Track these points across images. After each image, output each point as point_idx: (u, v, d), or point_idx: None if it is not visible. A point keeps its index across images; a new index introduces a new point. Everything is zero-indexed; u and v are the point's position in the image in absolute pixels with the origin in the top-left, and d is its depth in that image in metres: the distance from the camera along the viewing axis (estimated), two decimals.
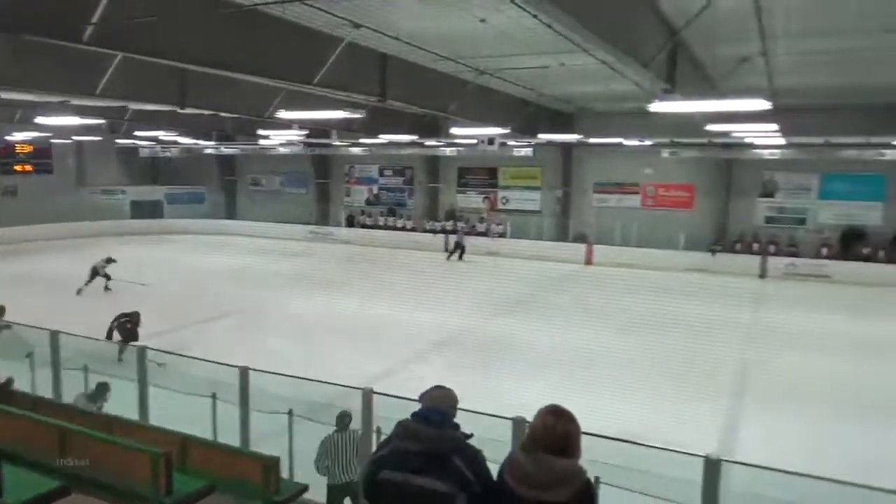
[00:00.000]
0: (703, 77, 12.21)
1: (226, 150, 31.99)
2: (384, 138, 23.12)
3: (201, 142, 30.05)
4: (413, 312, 15.23)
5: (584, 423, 2.64)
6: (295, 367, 6.89)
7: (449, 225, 28.79)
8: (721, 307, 16.46)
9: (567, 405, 2.63)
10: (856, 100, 16.74)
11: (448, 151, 27.21)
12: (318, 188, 33.38)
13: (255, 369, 6.69)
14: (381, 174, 32.15)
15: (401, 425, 3.02)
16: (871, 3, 8.42)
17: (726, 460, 4.63)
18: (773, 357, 12.37)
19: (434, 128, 22.27)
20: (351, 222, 31.66)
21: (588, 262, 25.06)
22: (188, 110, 13.81)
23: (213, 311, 15.42)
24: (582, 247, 25.63)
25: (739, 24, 9.19)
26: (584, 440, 2.61)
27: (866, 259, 22.16)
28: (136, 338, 11.17)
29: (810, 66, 12.34)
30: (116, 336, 11.43)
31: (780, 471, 4.50)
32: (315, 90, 10.71)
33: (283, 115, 14.29)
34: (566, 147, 26.25)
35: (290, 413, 6.64)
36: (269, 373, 6.71)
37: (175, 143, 29.43)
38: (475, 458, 2.83)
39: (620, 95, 15.69)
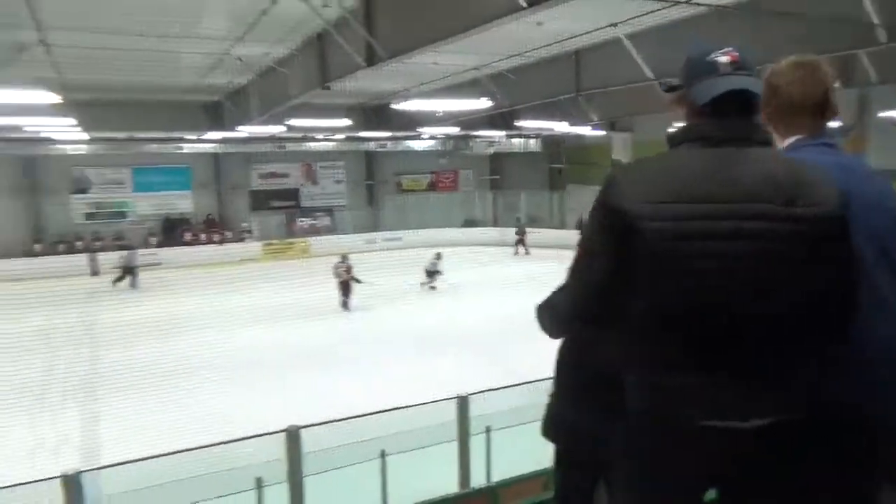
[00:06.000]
0: None
1: None
2: None
3: None
4: None
5: None
6: None
7: None
8: (55, 313, 15.16)
9: None
10: (149, 96, 17.78)
11: None
12: None
13: None
14: None
15: None
16: (138, 9, 8.92)
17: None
18: (118, 350, 12.30)
19: None
20: None
21: None
22: None
23: None
24: None
25: (9, 9, 8.33)
26: None
27: (190, 243, 24.28)
28: None
29: (95, 61, 12.30)
30: None
31: None
32: None
33: None
34: None
35: None
36: None
37: None
38: None
39: None
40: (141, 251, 23.23)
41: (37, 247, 22.47)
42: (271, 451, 5.19)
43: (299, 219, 27.19)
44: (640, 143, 24.41)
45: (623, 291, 1.37)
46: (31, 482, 4.63)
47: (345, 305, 16.19)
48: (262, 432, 5.16)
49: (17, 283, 19.53)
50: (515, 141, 26.96)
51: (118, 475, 5.18)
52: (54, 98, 8.82)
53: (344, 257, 16.78)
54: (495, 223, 28.06)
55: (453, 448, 6.39)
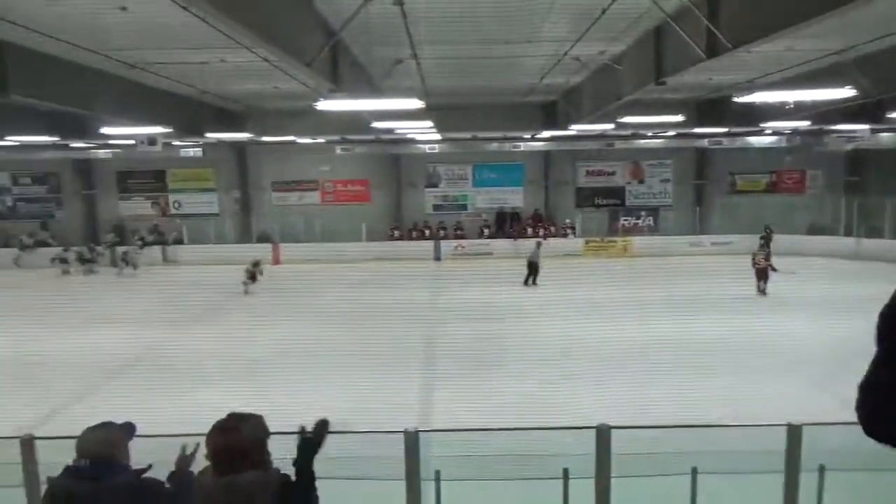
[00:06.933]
0: (365, 77, 12.87)
1: None
2: (13, 140, 19.52)
3: None
4: (84, 337, 13.20)
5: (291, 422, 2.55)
6: None
7: (110, 238, 25.52)
8: (408, 290, 17.76)
9: (280, 407, 2.50)
10: (490, 99, 19.41)
11: (102, 154, 24.19)
12: None
13: None
14: (16, 182, 27.11)
15: (50, 486, 2.59)
16: (490, 19, 9.79)
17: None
18: (457, 328, 13.75)
19: (81, 127, 19.53)
20: None
21: (276, 261, 24.73)
22: None
23: None
24: (268, 246, 25.19)
25: (391, 29, 9.86)
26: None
27: (518, 236, 25.88)
28: None
29: (452, 70, 13.88)
30: None
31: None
32: None
33: None
34: (238, 146, 25.47)
35: None
36: None
37: None
38: (154, 496, 2.57)
39: (289, 94, 15.69)
40: (475, 241, 25.71)
41: (395, 232, 26.39)
42: (584, 444, 5.29)
43: (623, 217, 26.98)
44: None
45: None
46: (377, 432, 5.42)
47: (763, 292, 17.21)
48: (575, 425, 5.29)
49: (381, 262, 23.28)
50: (885, 136, 22.63)
51: (447, 439, 5.82)
52: (419, 104, 10.21)
53: (761, 246, 18.00)
54: (849, 232, 24.05)
55: (769, 480, 5.73)
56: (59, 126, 18.43)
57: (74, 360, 11.84)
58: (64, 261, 22.80)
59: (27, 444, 4.95)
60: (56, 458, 3.26)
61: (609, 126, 17.79)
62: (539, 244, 20.62)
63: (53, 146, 22.56)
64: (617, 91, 13.12)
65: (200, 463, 2.62)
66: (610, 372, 10.51)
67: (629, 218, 27.06)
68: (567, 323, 13.23)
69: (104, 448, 2.61)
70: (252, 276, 18.84)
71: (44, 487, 3.47)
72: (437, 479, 5.17)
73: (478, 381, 10.19)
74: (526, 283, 19.22)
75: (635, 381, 9.79)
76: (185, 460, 2.84)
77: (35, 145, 22.11)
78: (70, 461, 2.66)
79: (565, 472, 5.18)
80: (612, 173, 27.10)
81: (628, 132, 23.08)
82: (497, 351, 11.90)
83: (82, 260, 23.14)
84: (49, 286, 20.62)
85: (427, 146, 25.07)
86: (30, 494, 4.91)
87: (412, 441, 4.88)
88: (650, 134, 24.30)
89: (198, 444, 2.90)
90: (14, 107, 14.29)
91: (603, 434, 4.70)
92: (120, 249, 23.97)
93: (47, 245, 25.20)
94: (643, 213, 27.06)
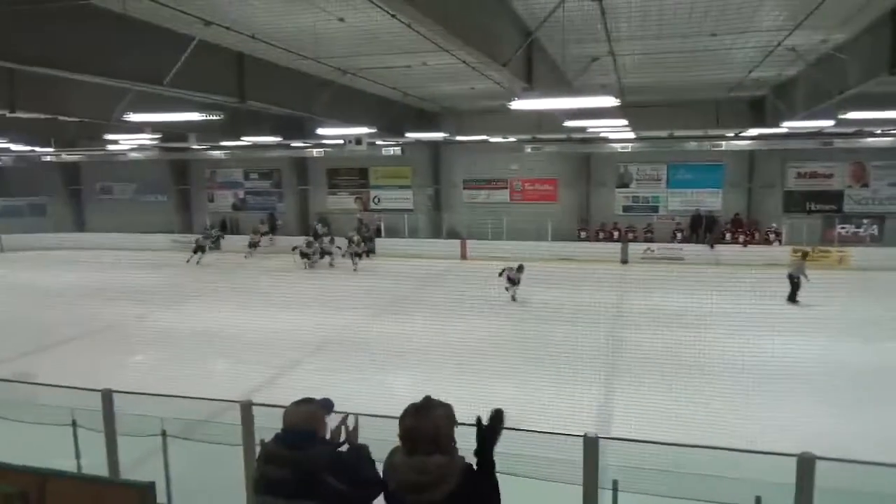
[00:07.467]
0: (559, 76, 12.80)
1: (68, 157, 29.23)
2: (247, 140, 22.24)
3: (38, 148, 27.19)
4: (291, 318, 14.77)
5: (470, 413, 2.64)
6: (166, 385, 6.47)
7: (321, 228, 28.06)
8: (591, 292, 17.38)
9: (456, 396, 2.62)
10: (690, 96, 18.29)
11: (315, 152, 26.69)
12: (178, 195, 31.52)
13: (118, 391, 6.15)
14: (247, 178, 30.95)
15: (263, 449, 2.93)
16: (697, 11, 9.23)
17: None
18: (640, 335, 13.24)
19: (299, 128, 21.73)
20: (224, 227, 30.15)
21: (463, 256, 25.54)
22: (19, 114, 12.55)
23: (65, 332, 14.09)
24: (457, 242, 26.09)
25: (588, 26, 9.72)
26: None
27: (715, 241, 24.19)
28: None
29: (650, 66, 13.31)
30: None
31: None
32: (166, 91, 10.08)
33: (133, 117, 13.29)
34: (434, 145, 26.62)
35: (163, 434, 6.18)
36: (135, 393, 6.19)
37: (6, 150, 26.41)
38: (348, 468, 2.79)
39: (483, 94, 16.12)
40: (666, 245, 24.42)
41: (582, 233, 25.95)
42: (780, 473, 4.84)
43: (840, 225, 24.01)
44: None
45: None
46: (555, 433, 5.36)
47: None
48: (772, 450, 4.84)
49: (566, 262, 23.03)
50: None
51: (623, 448, 5.61)
52: (614, 102, 9.94)
53: None
54: None
55: None
56: (281, 127, 20.68)
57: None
58: (305, 255, 24.38)
59: (246, 408, 5.65)
60: (271, 424, 3.70)
61: (828, 123, 15.89)
62: (805, 254, 18.56)
63: (277, 145, 25.33)
64: (840, 84, 11.71)
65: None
66: (829, 396, 9.49)
67: (847, 226, 23.99)
68: (773, 339, 12.10)
69: (306, 421, 2.90)
70: (513, 281, 17.84)
71: (257, 449, 3.97)
72: (615, 489, 5.03)
73: (663, 391, 9.68)
74: (790, 299, 17.21)
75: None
76: (350, 434, 3.05)
77: (261, 145, 24.96)
78: (279, 429, 3.00)
79: (757, 500, 4.77)
80: (829, 175, 24.20)
81: (851, 130, 20.45)
82: (688, 361, 11.20)
83: (323, 253, 25.02)
84: (281, 273, 23.12)
85: (619, 145, 24.27)
86: (247, 454, 5.62)
87: (592, 446, 4.80)
88: (879, 131, 21.30)
89: (356, 418, 3.13)
90: (247, 111, 16.28)
91: (805, 464, 4.25)
92: (352, 242, 25.09)
93: (267, 234, 28.40)
94: (865, 221, 23.84)
